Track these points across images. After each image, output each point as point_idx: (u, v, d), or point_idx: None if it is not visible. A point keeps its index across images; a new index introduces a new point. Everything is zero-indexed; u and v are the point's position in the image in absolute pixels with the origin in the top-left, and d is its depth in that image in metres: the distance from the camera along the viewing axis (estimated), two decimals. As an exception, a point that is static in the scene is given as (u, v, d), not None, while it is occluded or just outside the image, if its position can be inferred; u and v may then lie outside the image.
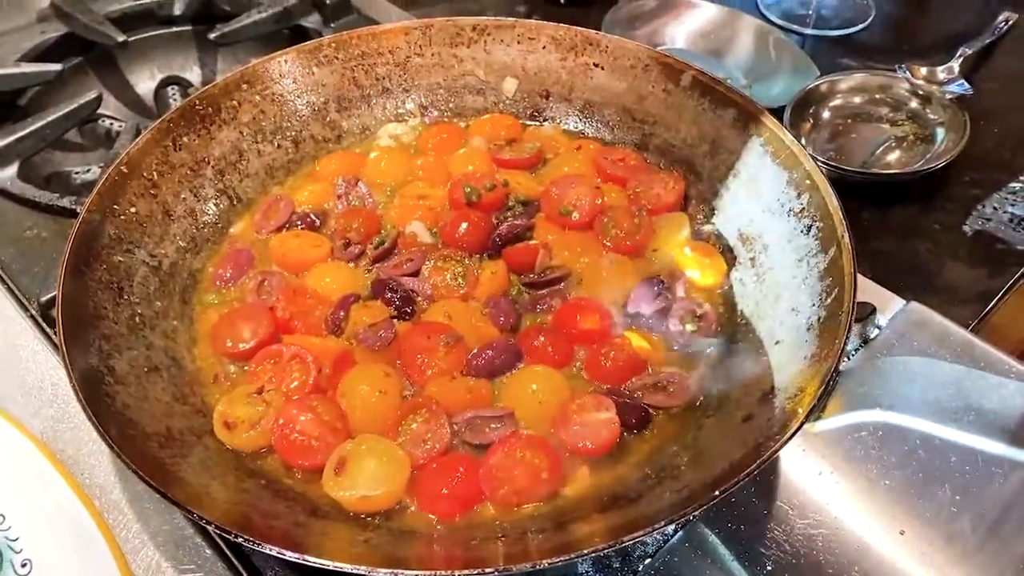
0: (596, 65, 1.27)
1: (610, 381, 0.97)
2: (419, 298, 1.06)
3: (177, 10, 1.69)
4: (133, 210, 1.07)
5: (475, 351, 0.98)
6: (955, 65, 1.51)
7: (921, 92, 1.47)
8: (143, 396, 0.90)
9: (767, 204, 1.06)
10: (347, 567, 0.69)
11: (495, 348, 0.98)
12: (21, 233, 1.28)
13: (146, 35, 1.71)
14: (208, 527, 0.73)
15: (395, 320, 1.01)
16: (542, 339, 1.00)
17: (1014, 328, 1.29)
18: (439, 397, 0.93)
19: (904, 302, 1.11)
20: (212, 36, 1.62)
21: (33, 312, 1.14)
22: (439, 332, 0.99)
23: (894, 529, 0.89)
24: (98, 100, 1.47)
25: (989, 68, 1.62)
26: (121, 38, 1.60)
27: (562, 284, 1.08)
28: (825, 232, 0.95)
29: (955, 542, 0.87)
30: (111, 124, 1.55)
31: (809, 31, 1.77)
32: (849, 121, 1.48)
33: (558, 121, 1.34)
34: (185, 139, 1.15)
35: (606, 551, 0.71)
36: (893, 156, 1.41)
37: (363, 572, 0.68)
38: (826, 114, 1.49)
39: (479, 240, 1.11)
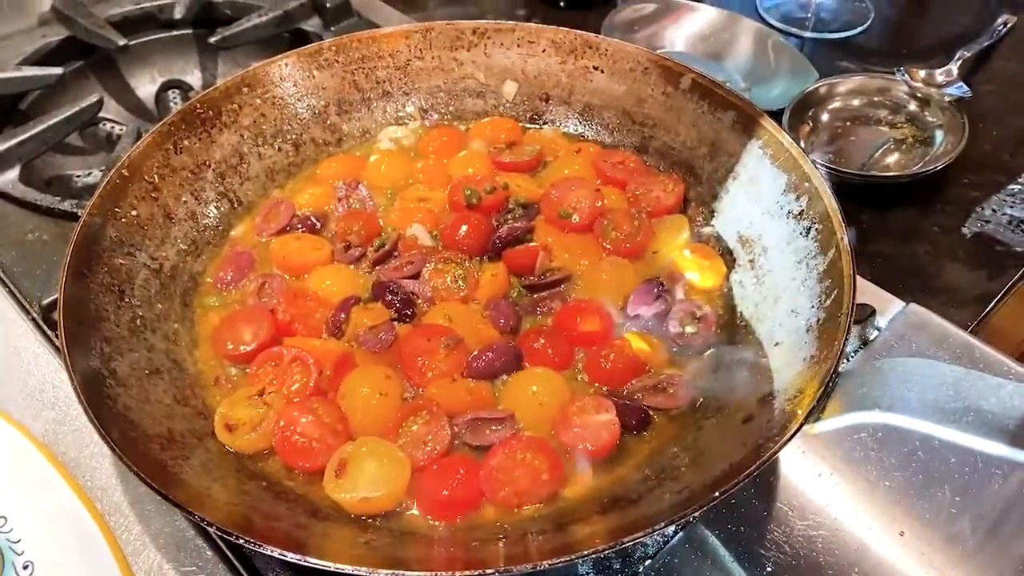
0: (596, 68, 1.28)
1: (610, 383, 0.98)
2: (419, 300, 1.06)
3: (178, 14, 1.70)
4: (134, 213, 1.07)
5: (475, 353, 0.98)
6: (954, 68, 1.51)
7: (920, 95, 1.48)
8: (144, 398, 0.90)
9: (766, 206, 1.06)
10: (348, 568, 0.69)
11: (495, 350, 0.98)
12: (22, 236, 1.29)
13: (147, 39, 1.72)
14: (209, 529, 0.73)
15: (396, 322, 1.02)
16: (542, 341, 1.00)
17: (1013, 330, 1.29)
18: (439, 399, 0.93)
19: (903, 304, 1.11)
20: (213, 40, 1.63)
21: (34, 315, 1.15)
22: (439, 334, 0.99)
23: (894, 530, 0.89)
24: (99, 104, 1.47)
25: (987, 71, 1.63)
26: (122, 42, 1.60)
27: (562, 286, 1.08)
28: (824, 234, 0.96)
29: (955, 543, 0.87)
30: (112, 128, 1.56)
31: (808, 34, 1.77)
32: (848, 124, 1.49)
33: (558, 124, 1.34)
34: (186, 142, 1.15)
35: (606, 552, 0.71)
36: (892, 158, 1.41)
37: (364, 573, 0.68)
38: (825, 117, 1.49)
39: (479, 242, 1.12)
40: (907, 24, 1.85)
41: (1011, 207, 1.32)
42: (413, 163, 1.28)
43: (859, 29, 1.78)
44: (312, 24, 1.72)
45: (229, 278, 1.11)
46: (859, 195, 1.32)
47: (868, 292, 1.12)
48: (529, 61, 1.31)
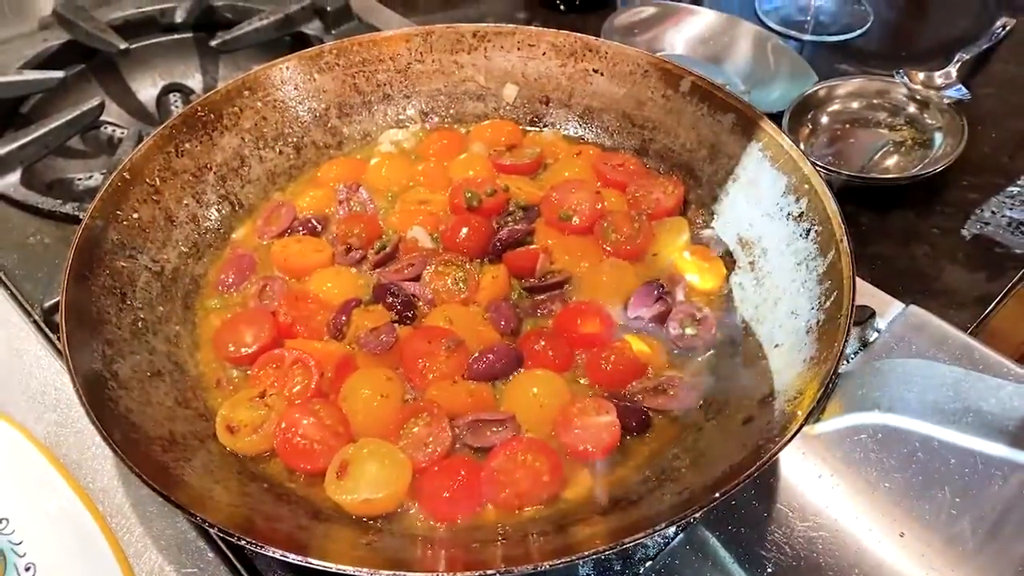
0: (596, 71, 1.28)
1: (610, 385, 0.98)
2: (420, 302, 1.06)
3: (179, 18, 1.70)
4: (136, 216, 1.07)
5: (476, 355, 0.99)
6: (953, 70, 1.52)
7: (919, 97, 1.48)
8: (146, 400, 0.91)
9: (766, 208, 1.06)
10: (349, 569, 0.69)
11: (496, 352, 0.98)
12: (24, 239, 1.29)
13: (148, 42, 1.72)
14: (211, 530, 0.73)
15: (396, 324, 1.02)
16: (543, 343, 1.00)
17: (1013, 331, 1.29)
18: (440, 401, 0.94)
19: (903, 306, 1.11)
20: (214, 43, 1.63)
21: (36, 317, 1.15)
22: (440, 336, 0.99)
23: (894, 531, 0.89)
24: (100, 107, 1.48)
25: (986, 73, 1.63)
26: (123, 45, 1.61)
27: (562, 288, 1.08)
28: (824, 236, 0.96)
29: (955, 544, 0.88)
30: (113, 131, 1.57)
31: (807, 37, 1.78)
32: (847, 126, 1.49)
33: (558, 127, 1.34)
34: (187, 145, 1.16)
35: (607, 553, 0.71)
36: (891, 161, 1.42)
37: (366, 574, 0.69)
38: (824, 119, 1.49)
39: (480, 245, 1.12)
40: (906, 27, 1.86)
41: (1010, 209, 1.32)
42: (414, 166, 1.28)
43: (858, 32, 1.78)
44: (313, 28, 1.72)
45: (230, 280, 1.11)
46: (859, 197, 1.32)
47: (868, 294, 1.12)
48: (529, 64, 1.32)
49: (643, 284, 1.06)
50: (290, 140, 1.28)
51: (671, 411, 0.95)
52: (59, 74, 1.56)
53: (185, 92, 1.69)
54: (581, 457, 0.90)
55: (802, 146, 1.39)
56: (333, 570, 0.69)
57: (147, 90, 1.72)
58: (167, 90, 1.70)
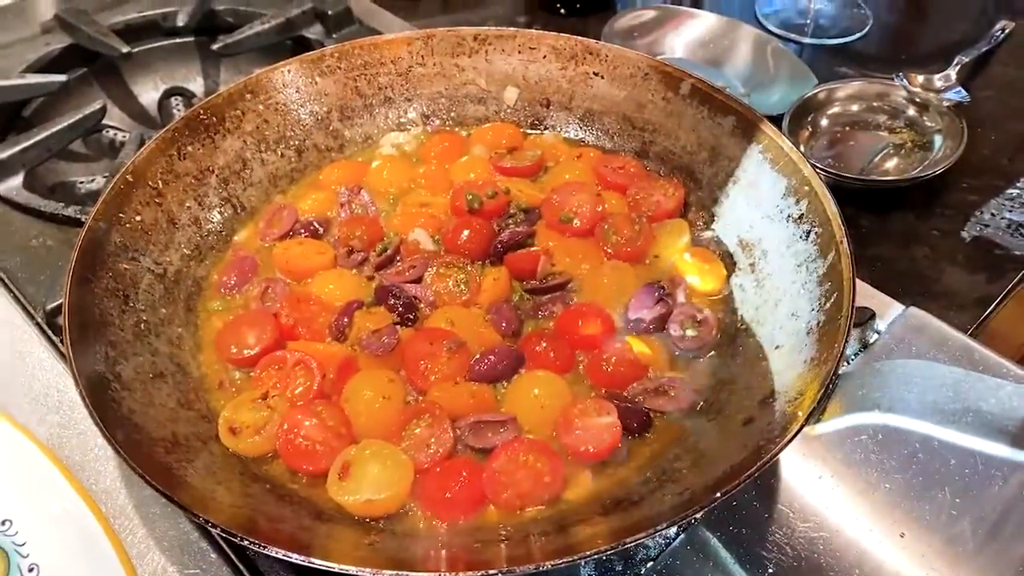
0: (596, 74, 1.29)
1: (611, 386, 0.98)
2: (422, 304, 1.06)
3: (180, 21, 1.71)
4: (138, 218, 1.08)
5: (477, 357, 0.99)
6: (952, 73, 1.52)
7: (918, 100, 1.48)
8: (149, 402, 0.91)
9: (766, 210, 1.07)
10: (352, 569, 0.69)
11: (497, 354, 0.99)
12: (27, 242, 1.29)
13: (150, 46, 1.73)
14: (214, 531, 0.74)
15: (398, 326, 1.02)
16: (544, 344, 1.01)
17: (1013, 334, 1.30)
18: (442, 402, 0.94)
19: (903, 307, 1.11)
20: (215, 47, 1.64)
21: (39, 320, 1.16)
22: (442, 338, 0.99)
23: (894, 532, 0.89)
24: (102, 111, 1.48)
25: (986, 76, 1.64)
26: (125, 49, 1.62)
27: (563, 290, 1.09)
28: (824, 237, 0.96)
29: (955, 544, 0.88)
30: (115, 135, 1.57)
31: (807, 40, 1.78)
32: (847, 129, 1.49)
33: (559, 129, 1.35)
34: (190, 148, 1.16)
35: (608, 552, 0.71)
36: (891, 163, 1.42)
37: (368, 574, 0.69)
38: (824, 122, 1.50)
39: (481, 247, 1.12)
40: (906, 30, 1.86)
41: (1010, 211, 1.33)
42: (415, 168, 1.29)
43: (858, 35, 1.79)
44: (314, 31, 1.73)
45: (232, 283, 1.12)
46: (859, 200, 1.33)
47: (868, 295, 1.13)
48: (530, 67, 1.32)
49: (644, 286, 1.06)
50: (292, 143, 1.28)
51: (672, 412, 0.95)
52: (61, 78, 1.57)
53: (186, 96, 1.69)
54: (582, 458, 0.91)
55: (802, 149, 1.39)
56: (336, 570, 0.70)
57: (148, 94, 1.73)
58: (168, 94, 1.71)
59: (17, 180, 1.37)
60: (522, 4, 1.97)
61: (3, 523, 0.90)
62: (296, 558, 0.70)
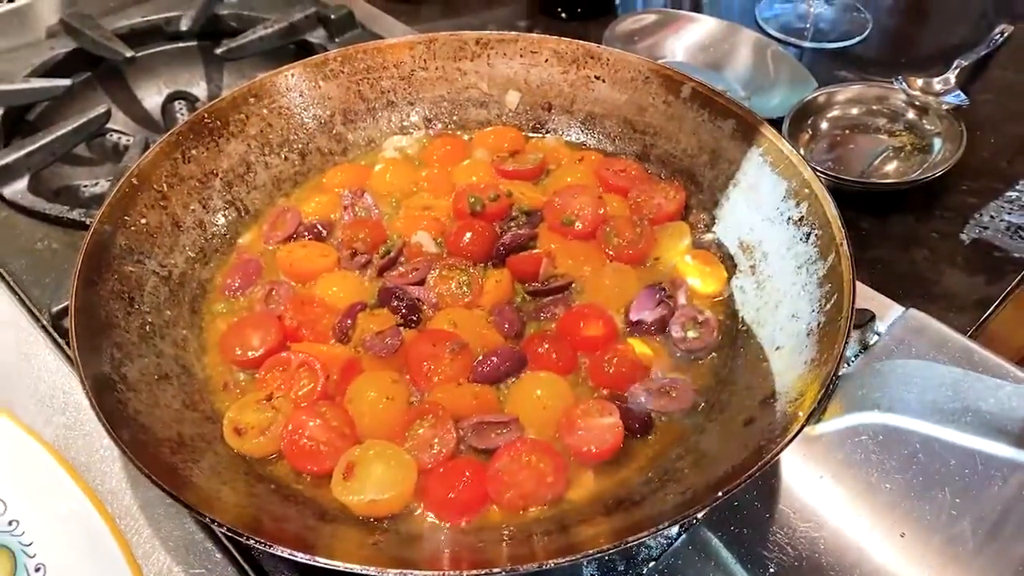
0: (597, 78, 1.29)
1: (613, 387, 0.99)
2: (425, 306, 1.07)
3: (184, 26, 1.72)
4: (143, 221, 1.09)
5: (480, 358, 1.00)
6: (951, 76, 1.53)
7: (918, 103, 1.49)
8: (154, 403, 0.92)
9: (767, 213, 1.08)
10: (357, 568, 0.70)
11: (500, 355, 0.99)
12: (32, 245, 1.30)
13: (154, 51, 1.74)
14: (219, 530, 0.75)
15: (401, 328, 1.03)
16: (546, 346, 1.01)
17: (1012, 336, 1.30)
18: (445, 403, 0.94)
19: (903, 309, 1.12)
20: (219, 51, 1.65)
21: (44, 322, 1.16)
22: (445, 339, 1.00)
23: (895, 532, 0.90)
24: (107, 115, 1.49)
25: (985, 79, 1.64)
26: (129, 54, 1.62)
27: (565, 292, 1.09)
28: (824, 239, 0.97)
29: (955, 544, 0.88)
30: (119, 138, 1.58)
31: (807, 44, 1.79)
32: (847, 132, 1.50)
33: (560, 133, 1.36)
34: (194, 152, 1.17)
35: (611, 552, 0.72)
36: (891, 166, 1.43)
37: (373, 573, 0.69)
38: (824, 125, 1.51)
39: (483, 249, 1.13)
40: (905, 34, 1.87)
41: (1009, 213, 1.33)
42: (417, 172, 1.30)
43: (857, 39, 1.79)
44: (316, 36, 1.73)
45: (237, 285, 1.13)
46: (858, 202, 1.33)
47: (868, 297, 1.13)
48: (532, 71, 1.33)
49: (645, 288, 1.07)
50: (295, 146, 1.29)
51: (674, 413, 0.96)
52: (66, 82, 1.58)
53: (190, 100, 1.70)
54: (585, 458, 0.91)
55: (802, 152, 1.39)
56: (341, 568, 0.70)
57: (152, 98, 1.74)
58: (172, 98, 1.72)
59: (22, 183, 1.38)
60: (523, 8, 1.97)
61: (10, 523, 0.90)
62: (301, 557, 0.71)
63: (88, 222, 1.05)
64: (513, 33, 1.32)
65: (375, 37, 1.74)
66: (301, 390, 0.97)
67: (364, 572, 0.70)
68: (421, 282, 1.09)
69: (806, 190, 1.02)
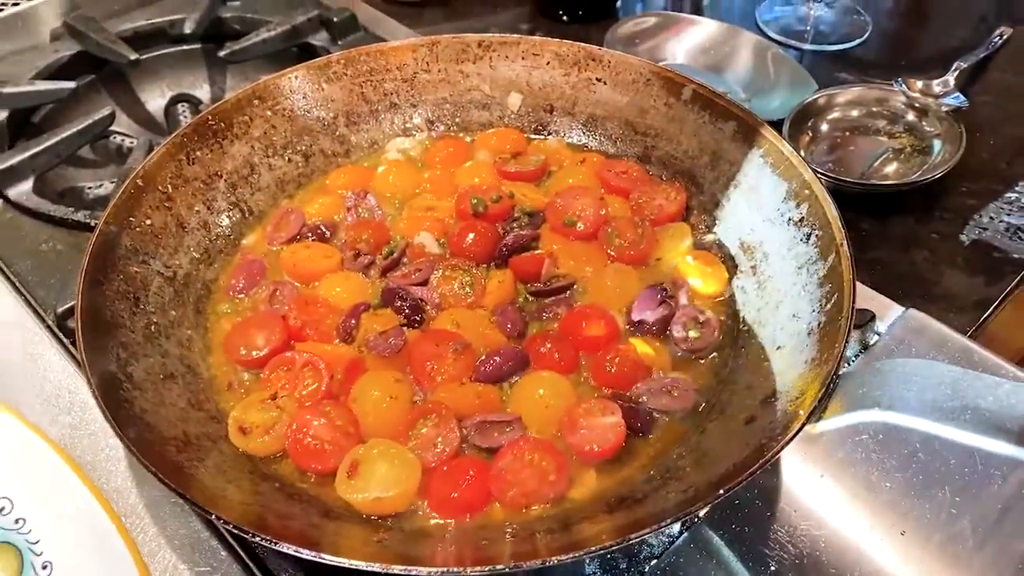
0: (599, 80, 1.30)
1: (615, 386, 0.99)
2: (428, 306, 1.08)
3: (187, 29, 1.72)
4: (148, 222, 1.09)
5: (483, 358, 1.00)
6: (951, 78, 1.54)
7: (917, 105, 1.49)
8: (160, 402, 0.92)
9: (767, 214, 1.08)
10: (362, 565, 0.71)
11: (503, 355, 1.00)
12: (37, 246, 1.31)
13: (157, 53, 1.75)
14: (225, 528, 0.75)
15: (405, 328, 1.04)
16: (548, 346, 1.02)
17: (1012, 337, 1.31)
18: (448, 402, 0.95)
19: (903, 309, 1.12)
20: (222, 54, 1.65)
21: (50, 323, 1.17)
22: (448, 339, 1.01)
23: (895, 530, 0.90)
24: (111, 117, 1.50)
25: (984, 81, 1.65)
26: (133, 56, 1.63)
27: (567, 292, 1.10)
28: (824, 240, 0.97)
29: (955, 542, 0.89)
30: (123, 140, 1.59)
31: (807, 46, 1.80)
32: (847, 134, 1.51)
33: (562, 134, 1.36)
34: (199, 153, 1.18)
35: (613, 549, 0.72)
36: (891, 167, 1.43)
37: (378, 569, 0.70)
38: (824, 127, 1.51)
39: (486, 250, 1.14)
40: (905, 36, 1.88)
41: (1008, 215, 1.34)
42: (420, 173, 1.30)
43: (857, 41, 1.80)
44: (319, 38, 1.74)
45: (241, 285, 1.13)
46: (859, 203, 1.34)
47: (868, 298, 1.14)
48: (533, 73, 1.34)
49: (647, 288, 1.08)
50: (299, 148, 1.30)
51: (675, 412, 0.97)
52: (70, 84, 1.59)
53: (193, 102, 1.71)
54: (587, 457, 0.92)
55: (802, 153, 1.40)
56: (346, 565, 0.71)
57: (156, 100, 1.75)
58: (175, 100, 1.73)
59: (27, 185, 1.39)
60: (525, 11, 1.98)
61: (17, 521, 0.91)
62: (306, 554, 0.71)
63: (93, 223, 1.06)
64: (515, 36, 1.33)
65: (378, 40, 1.74)
66: (305, 389, 0.97)
67: (369, 568, 0.70)
68: (424, 282, 1.10)
69: (806, 191, 1.02)
